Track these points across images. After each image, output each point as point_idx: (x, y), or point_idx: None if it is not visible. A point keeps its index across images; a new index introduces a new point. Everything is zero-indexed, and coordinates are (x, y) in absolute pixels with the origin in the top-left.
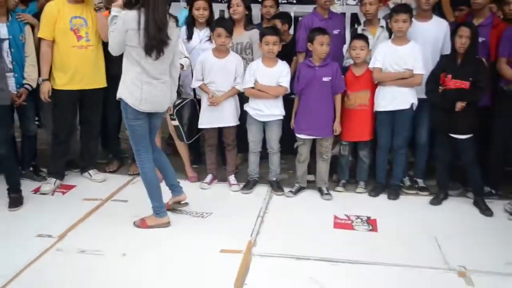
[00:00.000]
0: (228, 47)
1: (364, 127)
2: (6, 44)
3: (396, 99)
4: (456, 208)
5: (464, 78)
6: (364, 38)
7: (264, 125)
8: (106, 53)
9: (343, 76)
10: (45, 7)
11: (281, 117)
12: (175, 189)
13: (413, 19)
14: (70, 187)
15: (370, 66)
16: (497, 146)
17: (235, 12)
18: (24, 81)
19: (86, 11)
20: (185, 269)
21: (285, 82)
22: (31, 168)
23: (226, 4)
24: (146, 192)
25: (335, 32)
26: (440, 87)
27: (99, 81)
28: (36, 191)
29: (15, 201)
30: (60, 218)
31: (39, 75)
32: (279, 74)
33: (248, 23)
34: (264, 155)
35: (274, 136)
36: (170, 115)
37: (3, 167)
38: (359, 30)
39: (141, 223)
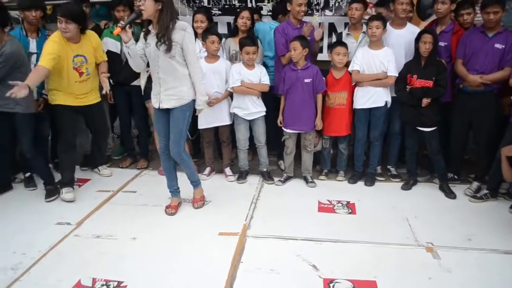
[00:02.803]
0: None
1: (342, 123)
2: (34, 58)
3: (372, 97)
4: (424, 192)
5: (427, 78)
6: (345, 45)
7: (250, 123)
8: (114, 63)
9: (323, 78)
10: (49, 41)
11: (264, 113)
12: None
13: (388, 26)
14: (85, 181)
15: (350, 68)
16: (456, 137)
17: (245, 25)
18: (44, 91)
19: (85, 48)
20: (188, 250)
21: (267, 80)
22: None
23: (233, 17)
24: (152, 184)
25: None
26: (407, 86)
27: (94, 97)
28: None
29: (49, 192)
30: (77, 207)
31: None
32: (259, 74)
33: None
34: (255, 150)
35: (261, 131)
36: None
37: (33, 167)
38: (344, 34)
39: (198, 201)
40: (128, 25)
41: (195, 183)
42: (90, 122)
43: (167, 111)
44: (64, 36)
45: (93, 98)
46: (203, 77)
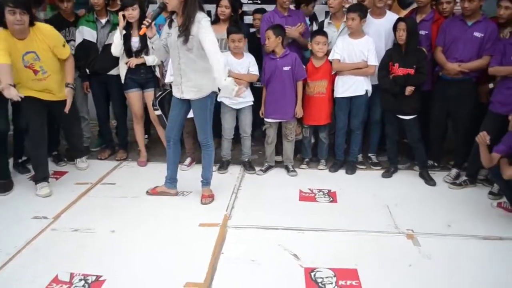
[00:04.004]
0: None
1: (322, 112)
2: None
3: (352, 86)
4: (405, 179)
5: (409, 66)
6: (325, 34)
7: (237, 112)
8: (90, 52)
9: (303, 66)
10: None
11: (252, 103)
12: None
13: (368, 15)
14: (62, 173)
15: (330, 57)
16: (436, 125)
17: (223, 13)
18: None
19: (35, 44)
20: (169, 242)
21: (255, 70)
22: (19, 160)
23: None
24: (132, 175)
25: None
26: (390, 75)
27: (63, 94)
28: (32, 179)
29: (2, 186)
30: (54, 201)
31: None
32: (248, 64)
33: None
34: (236, 140)
35: (247, 121)
36: (153, 105)
37: None
38: (326, 23)
39: (207, 197)
40: (153, 22)
41: (206, 182)
42: (57, 117)
43: (187, 101)
44: (18, 29)
45: (61, 94)
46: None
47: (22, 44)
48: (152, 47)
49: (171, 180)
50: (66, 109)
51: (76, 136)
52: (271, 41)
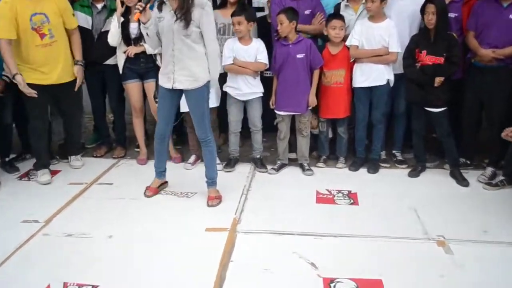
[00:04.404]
0: None
1: (340, 104)
2: None
3: (372, 75)
4: (434, 179)
5: (438, 53)
6: (342, 17)
7: (245, 104)
8: (85, 39)
9: (319, 53)
10: None
11: (261, 94)
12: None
13: None
14: (55, 172)
15: (347, 43)
16: (468, 118)
17: None
18: (4, 73)
19: (45, 5)
20: (172, 249)
21: (263, 58)
22: (6, 159)
23: None
24: (130, 175)
25: (306, 12)
26: (417, 64)
27: (68, 75)
28: (22, 177)
29: None
30: (46, 203)
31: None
32: (256, 51)
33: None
34: (245, 134)
35: (256, 114)
36: (154, 97)
37: None
38: (342, 6)
39: (214, 198)
40: (148, 5)
41: (212, 182)
42: (60, 103)
43: (178, 92)
44: None
45: (65, 75)
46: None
47: (32, 3)
48: (146, 34)
49: (164, 170)
50: (77, 86)
51: (77, 127)
52: (284, 27)
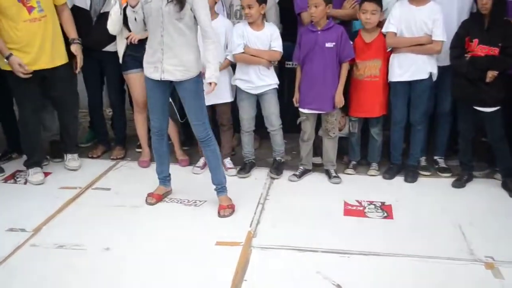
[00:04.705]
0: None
1: (374, 101)
2: None
3: (412, 68)
4: (482, 191)
5: (492, 43)
6: (375, 0)
7: (258, 99)
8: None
9: (351, 42)
10: None
11: (276, 86)
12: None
13: None
14: (45, 174)
15: (384, 29)
16: None
17: None
18: None
19: None
20: (176, 265)
21: (278, 45)
22: None
23: None
24: (131, 179)
25: None
26: (466, 54)
27: (60, 57)
28: (8, 179)
29: None
30: (34, 209)
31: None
32: (269, 37)
33: None
34: (262, 134)
35: (272, 109)
36: None
37: None
38: None
39: (225, 208)
40: None
41: (221, 187)
42: (55, 93)
43: (168, 84)
44: None
45: (57, 57)
46: (217, 46)
47: None
48: (134, 19)
49: (168, 176)
50: (78, 68)
51: (74, 120)
52: (320, 10)
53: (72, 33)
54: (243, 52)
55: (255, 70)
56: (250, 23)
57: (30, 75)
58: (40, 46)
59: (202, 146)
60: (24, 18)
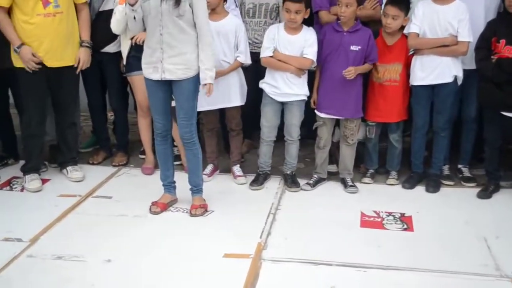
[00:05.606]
0: (223, 7)
1: (394, 105)
2: None
3: (435, 71)
4: (510, 202)
5: None
6: (399, 4)
7: (282, 107)
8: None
9: (376, 48)
10: None
11: (305, 98)
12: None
13: None
14: (43, 181)
15: (406, 30)
16: None
17: None
18: None
19: None
20: (182, 278)
21: (311, 53)
22: None
23: None
24: (133, 187)
25: None
26: (492, 56)
27: (71, 57)
28: (3, 186)
29: None
30: (31, 218)
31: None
32: (303, 43)
33: None
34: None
35: (294, 121)
36: None
37: None
38: None
39: (198, 207)
40: None
41: (197, 189)
42: (58, 95)
43: (168, 83)
44: None
45: (67, 56)
46: (213, 45)
47: None
48: (134, 18)
49: (174, 182)
50: (79, 68)
51: (74, 128)
52: (351, 11)
53: (84, 35)
54: (271, 56)
55: (282, 76)
56: (286, 27)
57: (37, 69)
58: (50, 43)
59: (185, 148)
60: (38, 11)
